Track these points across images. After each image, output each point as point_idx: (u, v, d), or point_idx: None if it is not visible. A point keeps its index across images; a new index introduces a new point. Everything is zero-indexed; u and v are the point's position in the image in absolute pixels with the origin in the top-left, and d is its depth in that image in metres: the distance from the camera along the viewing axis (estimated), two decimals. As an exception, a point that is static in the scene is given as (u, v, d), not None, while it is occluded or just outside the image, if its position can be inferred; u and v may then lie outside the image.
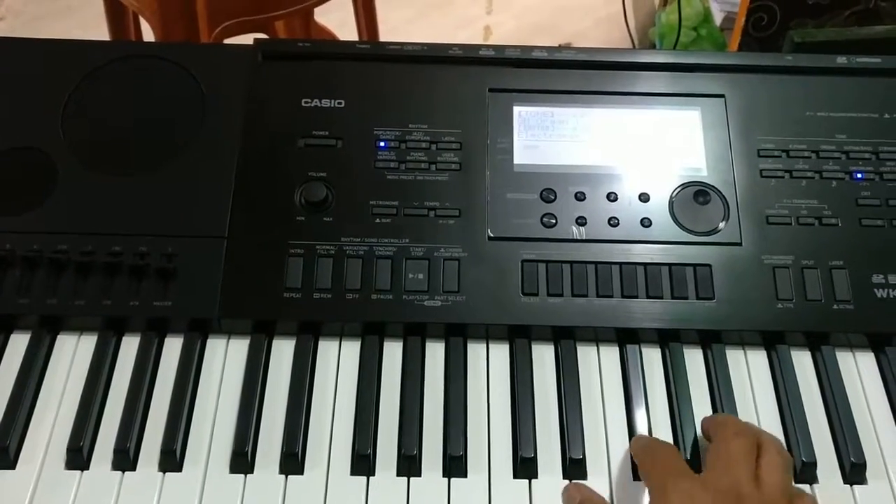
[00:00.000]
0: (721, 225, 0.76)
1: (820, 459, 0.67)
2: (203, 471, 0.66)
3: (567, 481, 0.66)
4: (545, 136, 0.79)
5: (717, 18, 1.95)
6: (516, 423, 0.68)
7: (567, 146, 0.79)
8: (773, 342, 0.73)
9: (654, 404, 0.70)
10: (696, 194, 0.77)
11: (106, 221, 0.74)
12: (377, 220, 0.75)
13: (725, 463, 0.58)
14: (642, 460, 0.63)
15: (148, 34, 1.53)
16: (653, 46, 2.14)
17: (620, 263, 0.74)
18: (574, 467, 0.66)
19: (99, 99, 0.80)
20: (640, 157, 0.79)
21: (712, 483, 0.57)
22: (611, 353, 0.73)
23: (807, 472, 0.66)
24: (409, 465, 0.66)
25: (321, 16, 1.62)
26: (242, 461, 0.66)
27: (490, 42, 1.96)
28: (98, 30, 1.58)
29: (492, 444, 0.68)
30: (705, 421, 0.67)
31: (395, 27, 2.18)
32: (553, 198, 0.76)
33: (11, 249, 0.72)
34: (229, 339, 0.73)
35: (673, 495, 0.56)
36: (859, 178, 0.78)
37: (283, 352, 0.72)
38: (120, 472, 0.66)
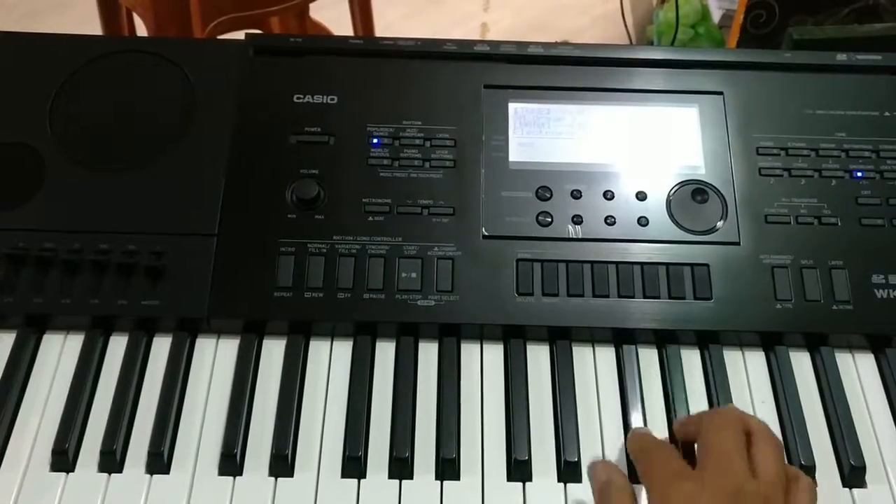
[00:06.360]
0: (719, 224, 0.75)
1: (819, 462, 0.66)
2: (191, 473, 0.65)
3: (562, 484, 0.65)
4: (541, 133, 0.78)
5: (716, 16, 1.95)
6: (510, 425, 0.67)
7: (563, 143, 0.78)
8: (772, 343, 0.72)
9: (650, 406, 0.69)
10: (693, 193, 0.76)
11: (94, 218, 0.73)
12: (370, 218, 0.74)
13: (718, 459, 0.57)
14: (640, 460, 0.62)
15: (141, 31, 1.51)
16: (650, 44, 2.13)
17: (617, 263, 0.72)
18: (569, 470, 0.65)
19: (88, 94, 0.79)
20: (637, 154, 0.77)
21: (711, 483, 0.56)
22: (607, 354, 0.72)
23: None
24: (401, 467, 0.65)
25: (316, 12, 1.61)
26: (231, 463, 0.65)
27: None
28: (92, 25, 1.57)
29: (485, 446, 0.67)
30: (687, 421, 0.65)
31: (390, 24, 2.17)
32: (549, 196, 0.75)
33: (-3, 247, 0.71)
34: (219, 338, 0.72)
35: (674, 499, 0.56)
36: (859, 177, 0.77)
37: (273, 352, 0.71)
38: (106, 475, 0.65)
